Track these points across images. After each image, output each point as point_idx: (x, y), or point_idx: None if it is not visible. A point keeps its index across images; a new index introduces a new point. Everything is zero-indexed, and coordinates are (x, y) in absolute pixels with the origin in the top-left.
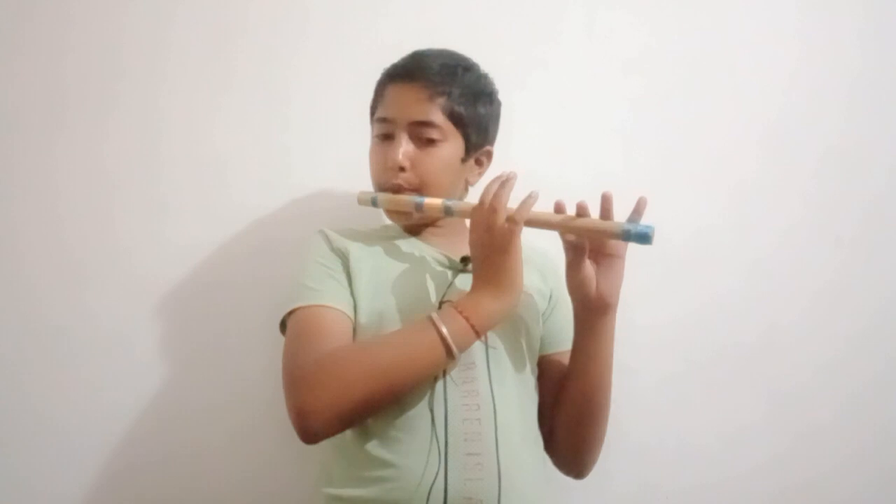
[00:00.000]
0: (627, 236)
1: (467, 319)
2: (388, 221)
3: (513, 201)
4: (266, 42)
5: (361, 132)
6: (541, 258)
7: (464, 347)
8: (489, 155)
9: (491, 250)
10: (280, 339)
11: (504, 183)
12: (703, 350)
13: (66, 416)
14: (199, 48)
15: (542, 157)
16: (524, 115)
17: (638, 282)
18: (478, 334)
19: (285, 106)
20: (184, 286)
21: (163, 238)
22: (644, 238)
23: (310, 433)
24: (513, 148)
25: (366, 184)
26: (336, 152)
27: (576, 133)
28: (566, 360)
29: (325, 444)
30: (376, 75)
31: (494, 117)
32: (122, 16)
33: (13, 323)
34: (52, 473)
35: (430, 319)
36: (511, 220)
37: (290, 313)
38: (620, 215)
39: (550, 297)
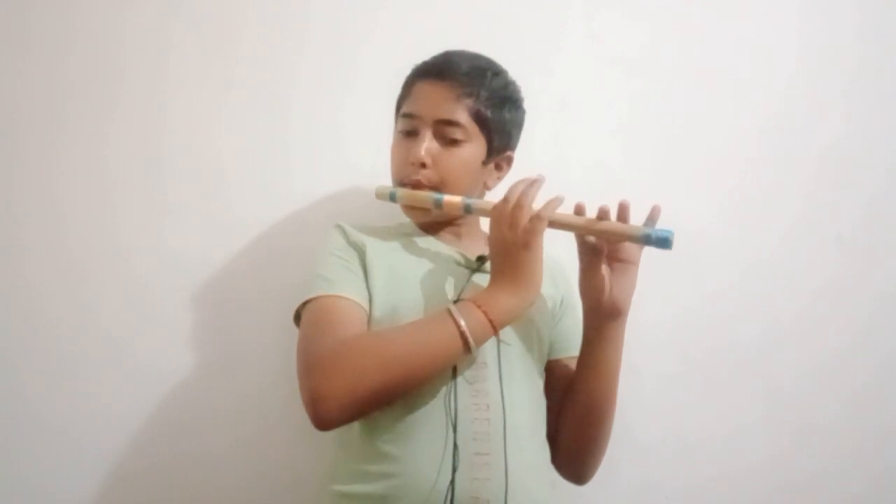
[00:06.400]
0: (648, 240)
1: (486, 314)
2: (402, 220)
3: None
4: (268, 43)
5: (363, 134)
6: (552, 264)
7: (481, 342)
8: (510, 161)
9: (512, 246)
10: (286, 337)
11: (532, 183)
12: (703, 349)
13: (67, 420)
14: (200, 50)
15: (542, 157)
16: (525, 114)
17: (638, 281)
18: (495, 329)
19: (287, 108)
20: (186, 288)
21: (165, 240)
22: (664, 242)
23: (324, 419)
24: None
25: (367, 185)
26: (339, 154)
27: (576, 133)
28: (573, 365)
29: (332, 441)
30: (377, 77)
31: (518, 124)
32: (124, 18)
33: (14, 324)
34: (56, 478)
35: (449, 312)
36: (536, 217)
37: (305, 304)
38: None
39: (561, 302)
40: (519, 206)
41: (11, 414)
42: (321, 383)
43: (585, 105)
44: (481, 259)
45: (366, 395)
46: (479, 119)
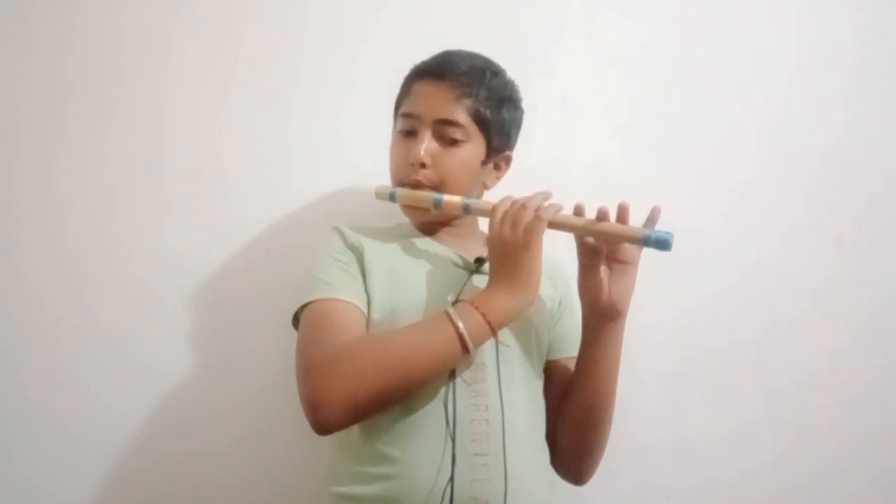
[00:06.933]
0: (647, 242)
1: (484, 315)
2: (401, 221)
3: None
4: (268, 43)
5: (363, 134)
6: (551, 265)
7: (479, 343)
8: (508, 160)
9: (512, 245)
10: (285, 338)
11: (540, 193)
12: (703, 349)
13: (67, 420)
14: (200, 50)
15: (542, 157)
16: (525, 114)
17: (638, 281)
18: (493, 331)
19: (287, 108)
20: (186, 288)
21: (165, 240)
22: (663, 244)
23: (323, 424)
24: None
25: (367, 185)
26: (339, 154)
27: (576, 133)
28: (572, 366)
29: (331, 442)
30: (377, 77)
31: (517, 124)
32: (124, 18)
33: (14, 324)
34: (56, 478)
35: (447, 314)
36: (538, 217)
37: (304, 307)
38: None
39: (560, 302)
40: (523, 206)
41: (11, 414)
42: (320, 388)
43: (585, 105)
44: (479, 261)
45: (365, 399)
46: (479, 119)
